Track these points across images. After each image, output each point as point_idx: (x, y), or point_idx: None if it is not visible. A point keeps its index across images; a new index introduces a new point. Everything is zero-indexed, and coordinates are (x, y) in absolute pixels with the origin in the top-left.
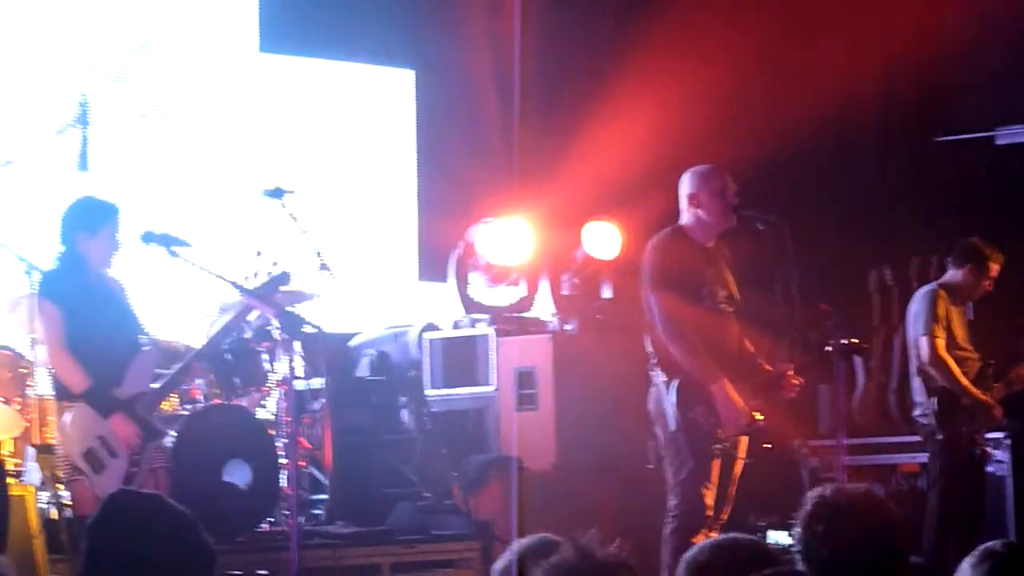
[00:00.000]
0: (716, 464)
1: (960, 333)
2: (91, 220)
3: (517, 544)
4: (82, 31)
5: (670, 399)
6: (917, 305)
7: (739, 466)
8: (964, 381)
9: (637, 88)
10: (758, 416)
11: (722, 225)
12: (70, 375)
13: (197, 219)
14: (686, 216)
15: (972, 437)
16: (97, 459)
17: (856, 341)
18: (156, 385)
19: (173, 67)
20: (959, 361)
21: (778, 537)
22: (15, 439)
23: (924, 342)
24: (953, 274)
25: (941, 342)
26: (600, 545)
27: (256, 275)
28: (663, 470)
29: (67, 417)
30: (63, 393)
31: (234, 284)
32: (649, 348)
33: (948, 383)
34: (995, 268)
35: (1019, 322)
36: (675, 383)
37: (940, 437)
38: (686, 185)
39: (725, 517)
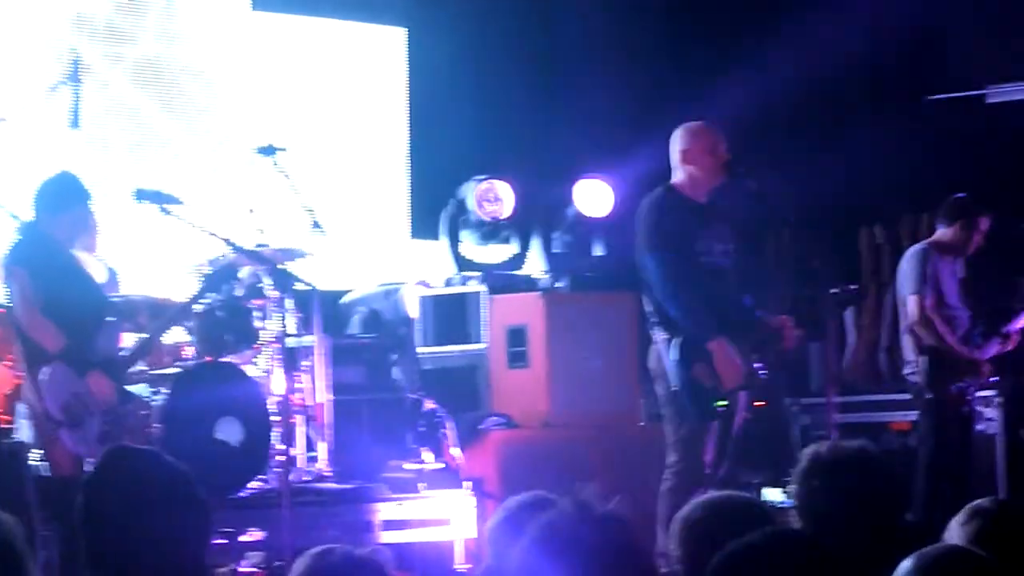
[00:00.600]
0: (709, 427)
1: (951, 291)
2: (61, 202)
3: (510, 500)
4: None
5: (671, 358)
6: (907, 264)
7: (738, 420)
8: (951, 340)
9: (629, 43)
10: (759, 370)
11: (714, 181)
12: (46, 335)
13: (189, 176)
14: (678, 173)
15: (961, 395)
16: (73, 412)
17: (848, 288)
18: (125, 353)
19: (164, 24)
20: (949, 320)
21: (771, 494)
22: (6, 396)
23: (912, 301)
24: (943, 232)
25: (929, 302)
26: (598, 500)
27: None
28: (660, 427)
29: (44, 373)
30: (37, 354)
31: (226, 241)
32: (648, 308)
33: (935, 342)
34: (984, 224)
35: (1010, 279)
36: (676, 341)
37: (929, 396)
38: (677, 142)
39: (722, 472)
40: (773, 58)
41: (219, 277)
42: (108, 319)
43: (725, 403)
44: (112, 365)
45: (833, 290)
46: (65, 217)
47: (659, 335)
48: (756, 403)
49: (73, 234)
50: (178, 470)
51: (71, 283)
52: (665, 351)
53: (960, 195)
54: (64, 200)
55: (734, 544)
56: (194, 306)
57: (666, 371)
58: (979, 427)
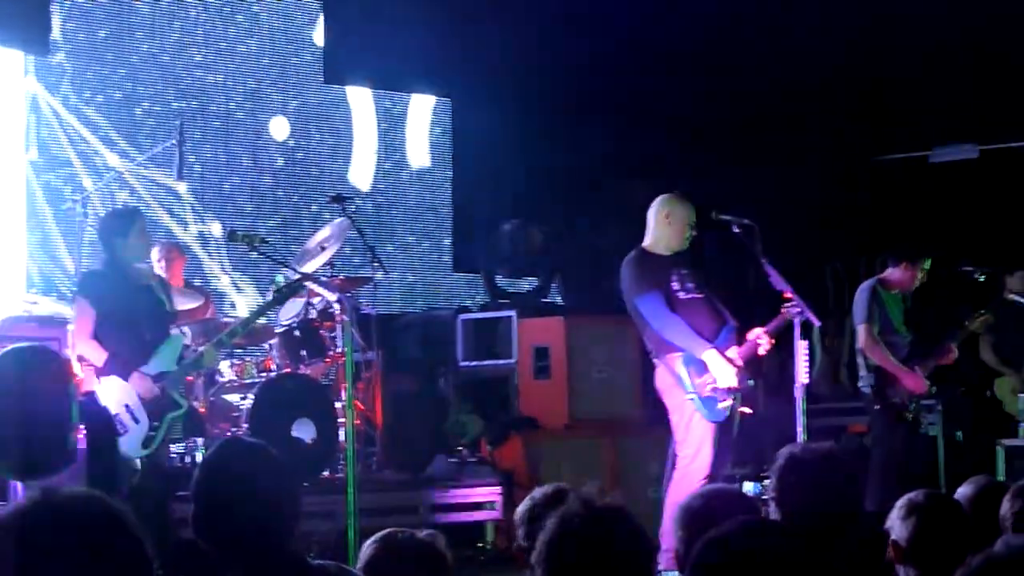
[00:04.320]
0: (715, 427)
1: (897, 319)
2: (122, 225)
3: (537, 491)
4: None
5: (679, 372)
6: (858, 297)
7: (735, 426)
8: (891, 362)
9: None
10: (744, 379)
11: (679, 247)
12: (93, 354)
13: (276, 220)
14: (650, 236)
15: (903, 406)
16: (122, 423)
17: (814, 324)
18: (176, 367)
19: (253, 91)
20: (893, 344)
21: (749, 487)
22: None
23: (861, 329)
24: (891, 271)
25: (874, 329)
26: (599, 495)
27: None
28: (658, 430)
29: (98, 388)
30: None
31: (302, 273)
32: (648, 345)
33: (880, 363)
34: (925, 265)
35: (945, 312)
36: (679, 358)
37: (877, 406)
38: (664, 206)
39: (726, 467)
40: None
41: (282, 296)
42: (172, 334)
43: (730, 402)
44: (166, 376)
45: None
46: (132, 234)
47: (662, 359)
48: (742, 409)
49: (141, 249)
50: (279, 461)
51: (135, 307)
52: (672, 368)
53: (907, 241)
54: (126, 221)
55: (713, 532)
56: (275, 329)
57: (675, 383)
58: (923, 430)
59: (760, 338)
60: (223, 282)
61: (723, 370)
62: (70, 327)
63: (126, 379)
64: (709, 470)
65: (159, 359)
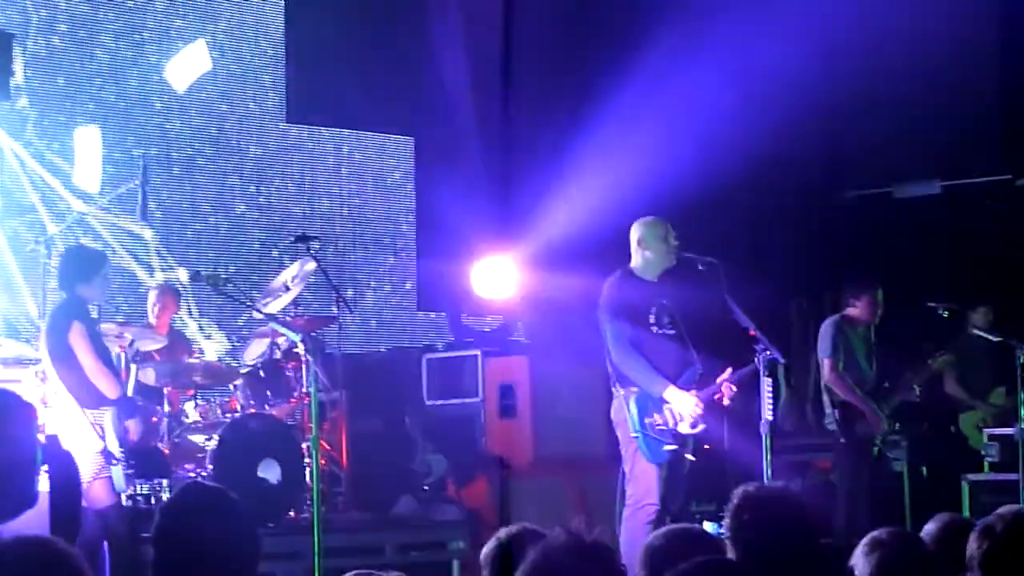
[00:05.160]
0: (659, 466)
1: (861, 355)
2: (88, 269)
3: (502, 531)
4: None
5: (630, 409)
6: (823, 332)
7: (688, 462)
8: (855, 396)
9: (608, 144)
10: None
11: (665, 265)
12: (109, 384)
13: (238, 260)
14: (635, 258)
15: (868, 441)
16: (103, 467)
17: (779, 361)
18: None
19: (212, 132)
20: (857, 380)
21: (710, 527)
22: None
23: (826, 364)
24: (852, 308)
25: (839, 364)
26: (587, 530)
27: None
28: (622, 464)
29: (106, 417)
30: (97, 399)
31: (266, 314)
32: (609, 368)
33: (844, 397)
34: (878, 296)
35: (910, 348)
36: (633, 396)
37: (843, 441)
38: (635, 232)
39: (676, 508)
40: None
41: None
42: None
43: (674, 447)
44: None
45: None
46: (96, 279)
47: (619, 391)
48: (705, 447)
49: (102, 292)
50: (238, 505)
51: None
52: (625, 404)
53: (865, 276)
54: (91, 267)
55: (670, 573)
56: (240, 370)
57: (627, 419)
58: (888, 466)
59: (724, 387)
60: (191, 328)
61: (684, 409)
62: (34, 368)
63: (126, 417)
64: (658, 506)
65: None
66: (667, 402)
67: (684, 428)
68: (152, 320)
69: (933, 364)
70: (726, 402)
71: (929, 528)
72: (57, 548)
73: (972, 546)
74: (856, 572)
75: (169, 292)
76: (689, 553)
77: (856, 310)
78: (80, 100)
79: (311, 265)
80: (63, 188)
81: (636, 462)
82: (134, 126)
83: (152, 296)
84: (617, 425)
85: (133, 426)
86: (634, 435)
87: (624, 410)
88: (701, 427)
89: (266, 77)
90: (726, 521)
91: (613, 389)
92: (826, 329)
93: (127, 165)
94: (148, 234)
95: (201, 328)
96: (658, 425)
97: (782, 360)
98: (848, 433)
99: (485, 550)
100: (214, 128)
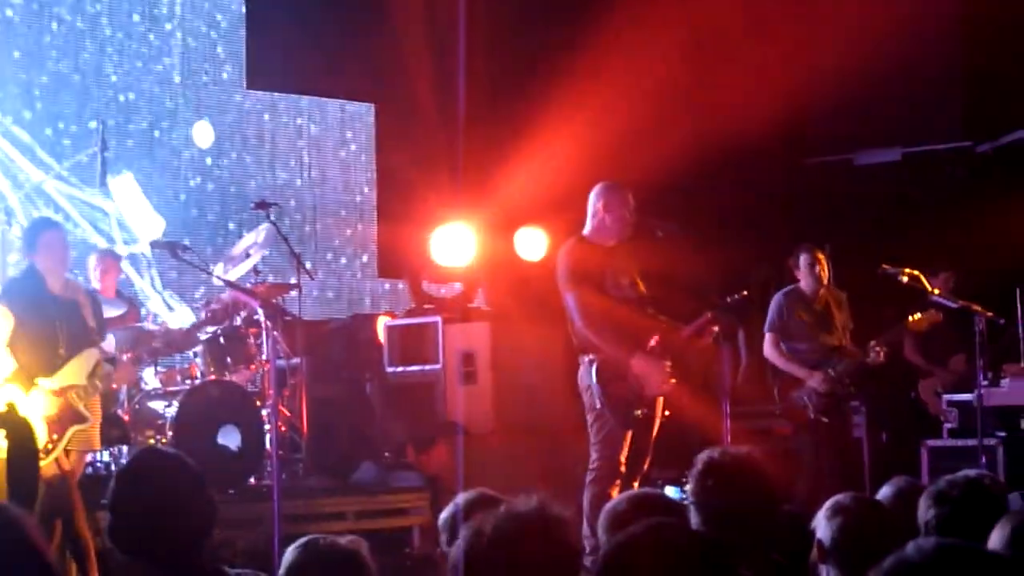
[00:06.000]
0: (628, 431)
1: (814, 322)
2: (30, 239)
3: (460, 497)
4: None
5: (591, 377)
6: (771, 305)
7: (656, 424)
8: (792, 365)
9: (564, 113)
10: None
11: (622, 231)
12: (2, 363)
13: (198, 226)
14: (589, 224)
15: (817, 405)
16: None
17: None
18: (85, 381)
19: (176, 100)
20: (809, 348)
21: (672, 491)
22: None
23: (766, 337)
24: (799, 278)
25: (776, 338)
26: (549, 501)
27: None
28: (585, 431)
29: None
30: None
31: (226, 281)
32: (574, 338)
33: (782, 367)
34: (819, 266)
35: (870, 314)
36: (595, 365)
37: (778, 412)
38: (593, 199)
39: (646, 468)
40: (683, 128)
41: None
42: (90, 348)
43: (640, 412)
44: (75, 389)
45: (727, 298)
46: (38, 247)
47: (583, 358)
48: (665, 412)
49: (55, 260)
50: (195, 471)
51: (49, 319)
52: (588, 372)
53: (802, 246)
54: (36, 232)
55: (621, 534)
56: (199, 334)
57: (590, 387)
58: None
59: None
60: (154, 302)
61: (651, 375)
62: None
63: (25, 391)
64: (623, 470)
65: (66, 372)
66: (631, 367)
67: (651, 391)
68: (96, 285)
69: (914, 320)
70: (709, 340)
71: (885, 492)
72: (12, 516)
73: (924, 511)
74: (818, 535)
75: (109, 255)
76: (651, 517)
77: (801, 279)
78: (34, 72)
79: (270, 230)
80: (22, 157)
81: (600, 428)
82: (88, 98)
83: (92, 260)
84: (582, 391)
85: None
86: (599, 402)
87: (588, 376)
88: (671, 383)
89: (228, 43)
90: (689, 486)
91: (580, 358)
92: (773, 302)
93: (83, 137)
94: (111, 208)
95: (165, 302)
96: (622, 390)
97: (738, 299)
98: (785, 399)
99: (442, 515)
100: (168, 99)
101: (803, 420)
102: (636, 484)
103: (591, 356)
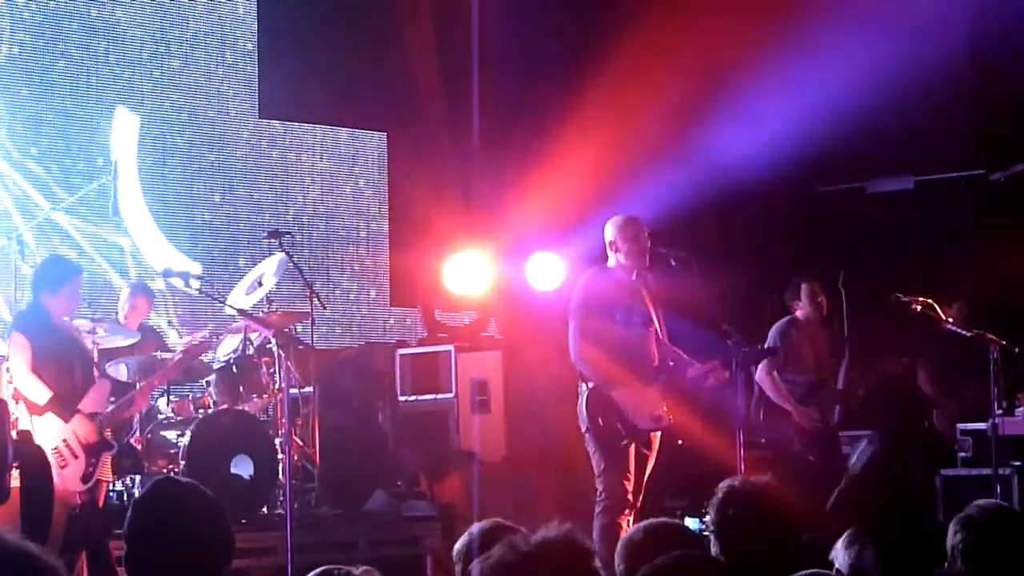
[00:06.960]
0: (631, 456)
1: (809, 357)
2: (55, 280)
3: (475, 526)
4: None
5: (582, 406)
6: (770, 332)
7: (650, 461)
8: (783, 397)
9: (576, 141)
10: (667, 414)
11: (638, 264)
12: (35, 391)
13: (211, 256)
14: (611, 257)
15: (792, 441)
16: (63, 457)
17: (759, 349)
18: (112, 407)
19: (188, 131)
20: (803, 379)
21: (690, 522)
22: None
23: (760, 367)
24: (796, 309)
25: (771, 365)
26: (565, 530)
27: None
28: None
29: (36, 423)
30: (32, 407)
31: (238, 311)
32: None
33: (774, 398)
34: (821, 297)
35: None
36: (585, 394)
37: (763, 440)
38: (607, 233)
39: (639, 504)
40: (693, 159)
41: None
42: (99, 380)
43: (627, 442)
44: (97, 416)
45: (745, 349)
46: (62, 291)
47: (580, 387)
48: (678, 442)
49: (70, 305)
50: (213, 501)
51: (64, 352)
52: (581, 402)
53: (800, 279)
54: (59, 278)
55: (647, 567)
56: (213, 365)
57: (586, 417)
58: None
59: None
60: (171, 338)
61: (637, 410)
62: (5, 364)
63: (67, 420)
64: (630, 499)
65: (89, 400)
66: (613, 399)
67: (644, 424)
68: (121, 319)
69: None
70: (720, 382)
71: None
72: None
73: (955, 536)
74: (836, 565)
75: (142, 293)
76: (668, 547)
77: (800, 311)
78: (39, 111)
79: (283, 260)
80: (34, 191)
81: (601, 458)
82: (103, 127)
83: (124, 295)
84: (582, 421)
85: (81, 426)
86: (589, 432)
87: (581, 406)
88: (668, 420)
89: (239, 74)
90: (709, 515)
91: (578, 384)
92: (773, 329)
93: (96, 170)
94: (127, 244)
95: (171, 323)
96: (611, 421)
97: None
98: (771, 428)
99: (457, 545)
100: (186, 130)
101: (787, 454)
102: (633, 516)
103: (585, 385)
